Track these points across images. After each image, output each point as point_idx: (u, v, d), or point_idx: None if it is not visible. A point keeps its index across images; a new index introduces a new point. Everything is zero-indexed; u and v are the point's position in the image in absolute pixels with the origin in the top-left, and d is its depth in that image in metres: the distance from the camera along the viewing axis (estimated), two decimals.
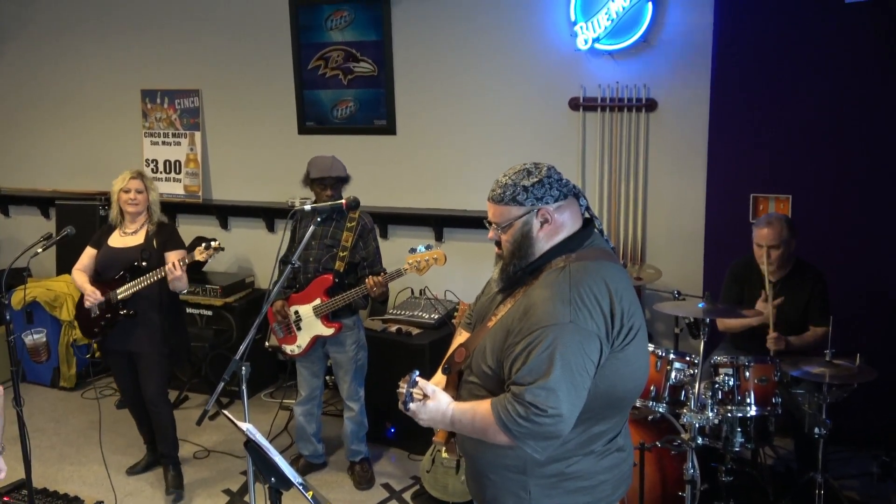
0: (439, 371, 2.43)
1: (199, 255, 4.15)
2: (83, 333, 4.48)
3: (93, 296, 4.17)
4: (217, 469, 4.64)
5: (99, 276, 4.28)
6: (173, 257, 4.20)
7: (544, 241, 2.21)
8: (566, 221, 2.22)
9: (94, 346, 5.67)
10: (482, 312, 2.38)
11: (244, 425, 2.55)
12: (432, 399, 2.21)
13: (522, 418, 2.05)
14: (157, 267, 4.17)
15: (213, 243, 4.17)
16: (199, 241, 5.92)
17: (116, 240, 4.30)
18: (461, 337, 2.52)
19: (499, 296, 2.31)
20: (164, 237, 4.30)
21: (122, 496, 4.28)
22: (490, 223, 2.28)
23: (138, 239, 4.28)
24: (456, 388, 2.34)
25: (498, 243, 2.29)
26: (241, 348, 2.96)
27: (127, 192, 4.23)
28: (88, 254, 4.37)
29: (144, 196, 4.26)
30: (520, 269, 2.22)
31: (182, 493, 4.34)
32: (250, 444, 2.49)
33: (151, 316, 4.23)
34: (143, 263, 4.19)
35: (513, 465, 2.22)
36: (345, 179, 4.24)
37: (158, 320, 4.26)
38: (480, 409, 2.15)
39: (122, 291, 4.17)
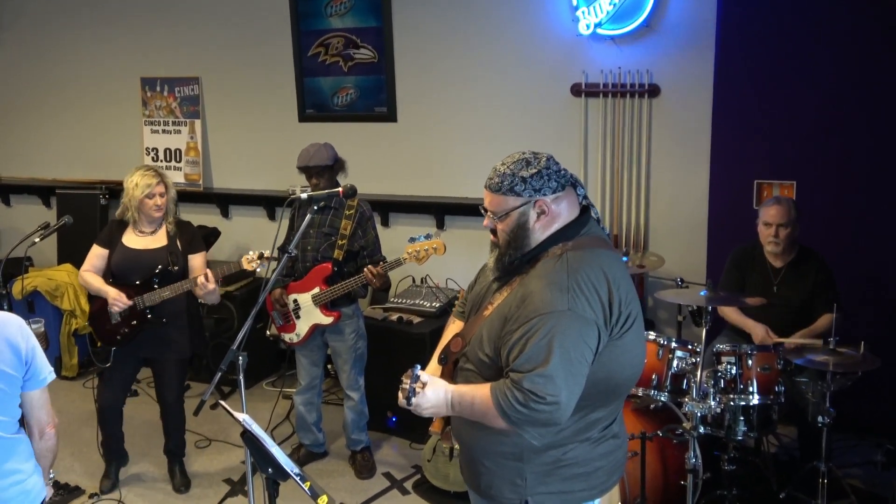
0: (434, 360, 2.42)
1: (247, 264, 3.90)
2: (102, 341, 4.10)
3: (119, 300, 3.87)
4: (218, 458, 4.63)
5: (116, 280, 4.00)
6: (197, 260, 4.05)
7: (540, 232, 2.20)
8: (563, 211, 2.21)
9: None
10: (477, 301, 2.36)
11: (241, 416, 2.54)
12: (430, 386, 2.19)
13: (521, 405, 2.05)
14: (184, 270, 4.00)
15: (265, 253, 3.89)
16: (200, 230, 5.93)
17: (134, 240, 4.02)
18: (454, 325, 2.51)
19: (494, 284, 2.30)
20: (188, 238, 4.08)
21: (122, 486, 4.29)
22: (485, 210, 2.26)
23: (160, 240, 4.02)
24: (451, 377, 2.33)
25: (493, 231, 2.27)
26: (239, 338, 2.94)
27: (151, 197, 3.93)
28: (98, 254, 4.05)
29: (167, 197, 3.99)
30: (516, 259, 2.21)
31: (189, 485, 4.32)
32: (247, 435, 2.48)
33: (177, 323, 4.05)
34: (175, 268, 3.97)
35: (509, 453, 2.22)
36: (331, 167, 4.13)
37: (184, 328, 4.08)
38: (480, 393, 2.15)
39: (153, 298, 3.92)
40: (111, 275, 4.03)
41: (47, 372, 2.59)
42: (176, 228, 4.08)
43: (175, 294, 3.93)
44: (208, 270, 3.89)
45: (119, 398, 4.17)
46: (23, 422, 2.61)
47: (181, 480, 4.30)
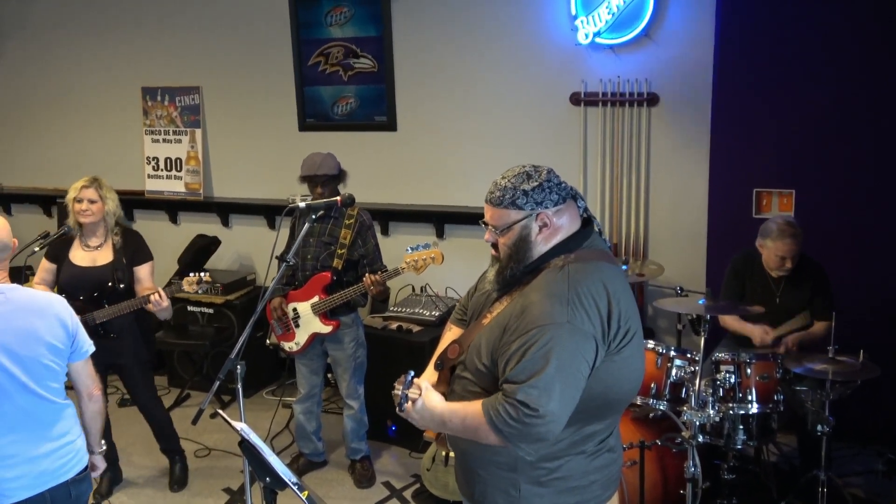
0: (430, 367, 2.42)
1: (189, 286, 4.00)
2: None
3: None
4: (217, 468, 4.62)
5: (64, 295, 3.95)
6: (144, 271, 4.06)
7: (542, 245, 2.20)
8: (564, 224, 2.20)
9: None
10: (477, 309, 2.36)
11: (238, 425, 2.53)
12: (423, 397, 2.19)
13: (513, 419, 2.04)
14: (130, 284, 4.01)
15: (204, 276, 4.00)
16: (200, 238, 5.96)
17: (81, 256, 3.99)
18: (451, 332, 2.50)
19: (494, 293, 2.29)
20: (132, 249, 4.06)
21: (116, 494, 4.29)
22: (487, 225, 2.26)
23: (106, 255, 4.01)
24: (448, 383, 2.32)
25: (494, 245, 2.27)
26: (237, 347, 2.94)
27: (79, 201, 3.88)
28: (47, 268, 4.02)
29: (99, 206, 3.92)
30: (517, 272, 2.21)
31: (183, 485, 4.34)
32: (245, 444, 2.47)
33: (130, 330, 4.07)
34: (121, 285, 3.98)
35: (504, 463, 2.21)
36: (337, 177, 4.17)
37: (137, 332, 4.11)
38: (471, 409, 2.14)
39: (103, 314, 3.92)
40: (59, 290, 3.97)
41: (88, 344, 2.84)
42: (122, 240, 4.05)
43: (126, 311, 3.95)
44: (160, 290, 3.91)
45: None
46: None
47: (175, 478, 4.35)
